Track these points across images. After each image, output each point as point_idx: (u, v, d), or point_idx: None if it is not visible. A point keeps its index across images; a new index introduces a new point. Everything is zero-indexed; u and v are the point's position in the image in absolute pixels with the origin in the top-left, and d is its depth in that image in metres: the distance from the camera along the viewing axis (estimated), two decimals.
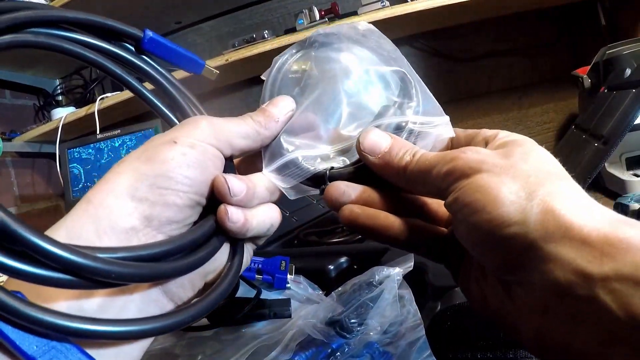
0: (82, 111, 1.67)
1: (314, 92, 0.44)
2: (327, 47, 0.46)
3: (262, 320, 0.63)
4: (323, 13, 1.49)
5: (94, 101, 1.65)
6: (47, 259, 0.27)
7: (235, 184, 0.37)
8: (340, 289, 0.62)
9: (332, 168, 0.42)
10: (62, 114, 1.71)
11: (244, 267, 0.42)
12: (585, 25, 1.72)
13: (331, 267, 0.77)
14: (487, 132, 0.41)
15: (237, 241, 0.41)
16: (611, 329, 0.27)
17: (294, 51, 0.47)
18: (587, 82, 1.32)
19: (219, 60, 1.47)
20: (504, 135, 0.39)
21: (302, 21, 1.48)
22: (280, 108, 0.42)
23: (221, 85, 1.84)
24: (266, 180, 0.41)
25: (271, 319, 0.63)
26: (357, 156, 0.42)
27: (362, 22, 0.47)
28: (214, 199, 0.38)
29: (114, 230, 0.33)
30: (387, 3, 1.41)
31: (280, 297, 0.67)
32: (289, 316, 0.62)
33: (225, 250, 0.40)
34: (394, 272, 0.60)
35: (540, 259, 0.30)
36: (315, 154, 0.43)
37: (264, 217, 0.40)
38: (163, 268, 0.33)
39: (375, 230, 0.40)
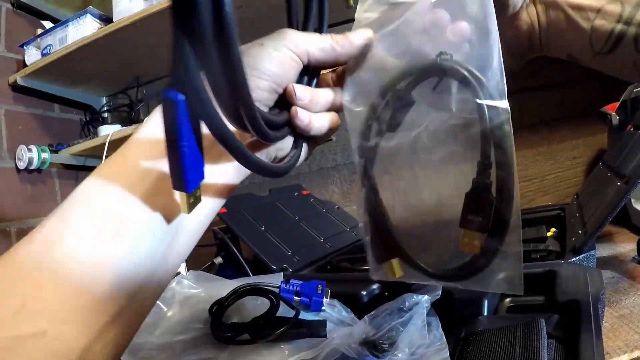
0: (129, 130, 1.71)
1: None
2: None
3: (299, 338, 0.67)
4: None
5: (138, 121, 1.70)
6: None
7: (300, 91, 0.47)
8: (372, 312, 0.66)
9: None
10: (109, 131, 1.75)
11: (301, 160, 0.52)
12: None
13: (364, 292, 0.79)
14: None
15: (300, 136, 0.51)
16: None
17: None
18: (615, 119, 1.33)
19: None
20: None
21: None
22: (358, 34, 0.49)
23: None
24: (330, 94, 0.50)
25: (308, 337, 0.67)
26: None
27: None
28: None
29: None
30: None
31: (316, 318, 0.71)
32: (325, 336, 0.66)
33: (291, 140, 0.50)
34: (423, 299, 0.64)
35: None
36: None
37: (325, 122, 0.50)
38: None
39: None
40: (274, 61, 0.45)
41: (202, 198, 0.41)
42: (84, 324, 0.34)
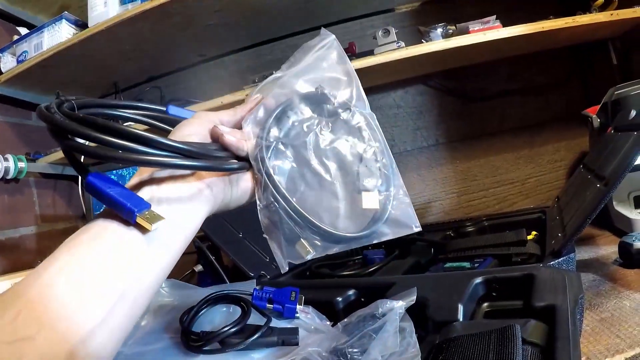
0: None
1: None
2: None
3: (270, 347, 0.66)
4: None
5: None
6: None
7: (221, 127, 0.59)
8: (345, 320, 0.65)
9: None
10: None
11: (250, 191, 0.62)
12: (597, 64, 1.73)
13: (339, 299, 0.78)
14: None
15: (241, 159, 0.60)
16: None
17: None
18: (597, 122, 1.33)
19: (240, 95, 1.50)
20: None
21: None
22: (251, 99, 0.65)
23: None
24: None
25: (279, 346, 0.66)
26: None
27: None
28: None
29: None
30: (403, 44, 1.43)
31: (289, 326, 0.70)
32: (296, 344, 0.65)
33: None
34: (397, 305, 0.63)
35: None
36: None
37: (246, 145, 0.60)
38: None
39: None
40: (196, 124, 0.59)
41: (172, 224, 0.50)
42: (67, 331, 0.39)
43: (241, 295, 0.75)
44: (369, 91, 1.80)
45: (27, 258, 1.70)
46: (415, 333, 0.60)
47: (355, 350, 0.59)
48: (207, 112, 0.63)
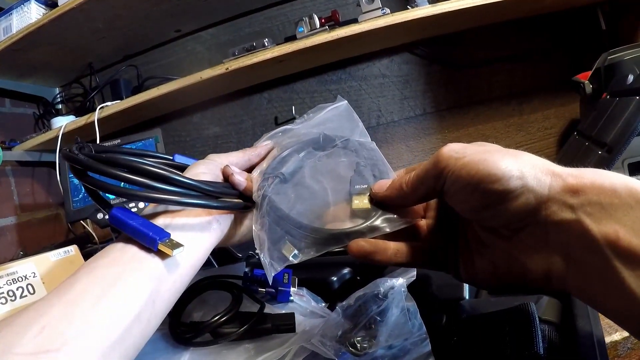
0: (82, 120, 1.65)
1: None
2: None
3: (265, 335, 0.63)
4: (323, 21, 1.48)
5: (93, 110, 1.63)
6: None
7: (231, 166, 0.65)
8: (344, 303, 0.62)
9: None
10: (62, 122, 1.68)
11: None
12: (585, 30, 1.71)
13: (334, 278, 0.76)
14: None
15: (246, 199, 0.63)
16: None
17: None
18: (589, 87, 1.31)
19: (220, 69, 1.46)
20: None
21: (302, 29, 1.47)
22: (261, 144, 0.71)
23: (222, 94, 1.83)
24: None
25: (275, 333, 0.63)
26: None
27: None
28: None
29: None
30: (388, 10, 1.41)
31: (283, 311, 0.67)
32: (293, 330, 0.62)
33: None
34: (398, 283, 0.60)
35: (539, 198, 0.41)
36: None
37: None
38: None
39: (377, 253, 0.53)
40: (210, 164, 0.64)
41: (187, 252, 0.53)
42: (90, 347, 0.42)
43: (231, 281, 0.72)
44: (352, 61, 1.79)
45: (8, 250, 1.66)
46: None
47: (363, 337, 0.56)
48: (218, 154, 0.69)
